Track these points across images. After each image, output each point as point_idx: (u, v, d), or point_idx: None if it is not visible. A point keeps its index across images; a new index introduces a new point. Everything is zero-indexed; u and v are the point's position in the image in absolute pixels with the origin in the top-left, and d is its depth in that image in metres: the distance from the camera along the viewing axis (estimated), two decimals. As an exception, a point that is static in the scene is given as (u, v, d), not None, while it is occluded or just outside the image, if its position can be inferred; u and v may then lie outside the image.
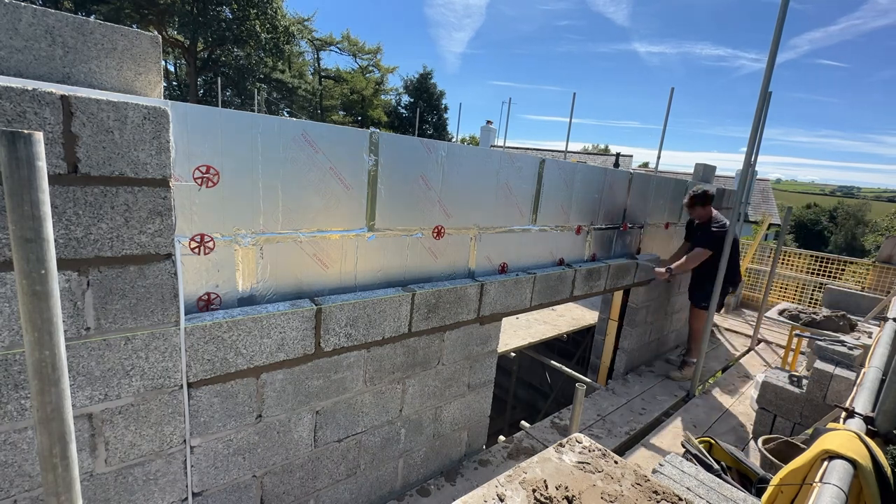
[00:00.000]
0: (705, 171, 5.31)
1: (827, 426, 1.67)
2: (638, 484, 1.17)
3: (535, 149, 25.19)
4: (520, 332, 5.08)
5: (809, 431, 2.89)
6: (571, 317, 5.75)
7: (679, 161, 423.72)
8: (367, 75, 35.63)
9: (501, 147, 18.66)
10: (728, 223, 3.87)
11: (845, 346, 3.58)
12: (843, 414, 1.76)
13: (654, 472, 2.09)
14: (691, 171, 5.81)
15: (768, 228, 15.14)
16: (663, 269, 3.92)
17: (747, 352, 5.48)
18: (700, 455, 2.45)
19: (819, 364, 3.27)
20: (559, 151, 23.35)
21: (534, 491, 1.10)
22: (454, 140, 23.33)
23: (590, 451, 1.29)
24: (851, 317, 4.83)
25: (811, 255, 7.84)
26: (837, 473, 1.32)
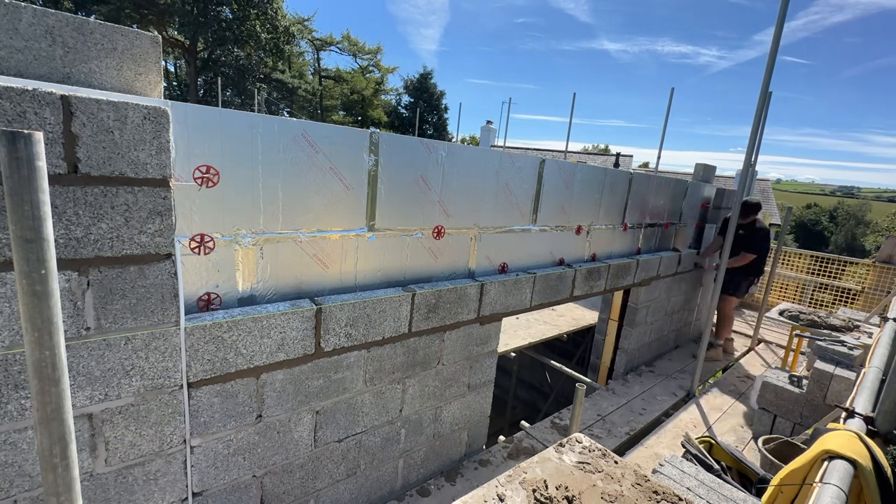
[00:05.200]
0: (705, 171, 5.31)
1: (827, 426, 1.67)
2: (638, 484, 1.17)
3: (535, 149, 25.19)
4: (520, 332, 5.08)
5: (809, 431, 2.89)
6: (571, 317, 5.75)
7: (671, 160, 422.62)
8: (368, 75, 35.63)
9: (501, 147, 18.67)
10: (768, 229, 4.75)
11: (845, 346, 3.58)
12: (843, 414, 1.76)
13: (655, 472, 2.09)
14: (683, 169, 5.87)
15: (768, 228, 15.11)
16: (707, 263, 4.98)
17: (747, 352, 5.48)
18: (700, 455, 2.45)
19: (819, 364, 3.27)
20: (559, 151, 23.36)
21: (534, 491, 1.09)
22: (454, 140, 23.33)
23: (590, 451, 1.29)
24: (852, 318, 4.83)
25: (811, 255, 7.83)
26: (838, 473, 1.32)
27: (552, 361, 5.24)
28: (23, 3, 1.24)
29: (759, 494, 2.18)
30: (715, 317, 4.74)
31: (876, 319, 5.04)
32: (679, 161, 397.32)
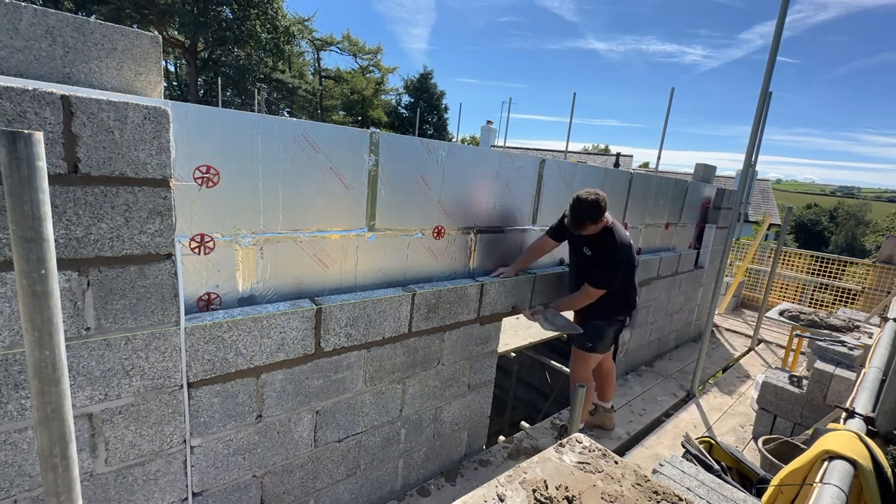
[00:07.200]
0: (705, 171, 5.31)
1: (827, 426, 1.67)
2: (638, 484, 1.17)
3: (535, 149, 25.20)
4: (520, 332, 5.07)
5: (810, 432, 2.88)
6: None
7: (669, 159, 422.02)
8: (368, 75, 35.61)
9: (501, 147, 18.67)
10: (629, 240, 2.78)
11: (845, 346, 3.58)
12: (844, 414, 1.76)
13: (655, 472, 2.09)
14: (681, 169, 5.81)
15: (768, 229, 15.15)
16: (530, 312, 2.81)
17: (747, 352, 5.48)
18: (700, 455, 2.45)
19: (819, 364, 3.27)
20: (559, 151, 23.36)
21: (534, 491, 1.09)
22: (454, 140, 23.34)
23: (590, 451, 1.29)
24: (852, 318, 4.83)
25: (811, 256, 7.83)
26: (838, 474, 1.32)
27: (552, 361, 5.23)
28: (23, 3, 1.24)
29: (759, 494, 2.18)
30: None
31: (876, 319, 5.04)
32: (677, 161, 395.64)
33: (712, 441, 2.68)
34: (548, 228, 2.91)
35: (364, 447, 2.26)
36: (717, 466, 2.39)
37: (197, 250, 1.65)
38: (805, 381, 3.33)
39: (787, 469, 1.60)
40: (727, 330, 6.23)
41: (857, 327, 4.48)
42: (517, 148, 24.16)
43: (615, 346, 2.91)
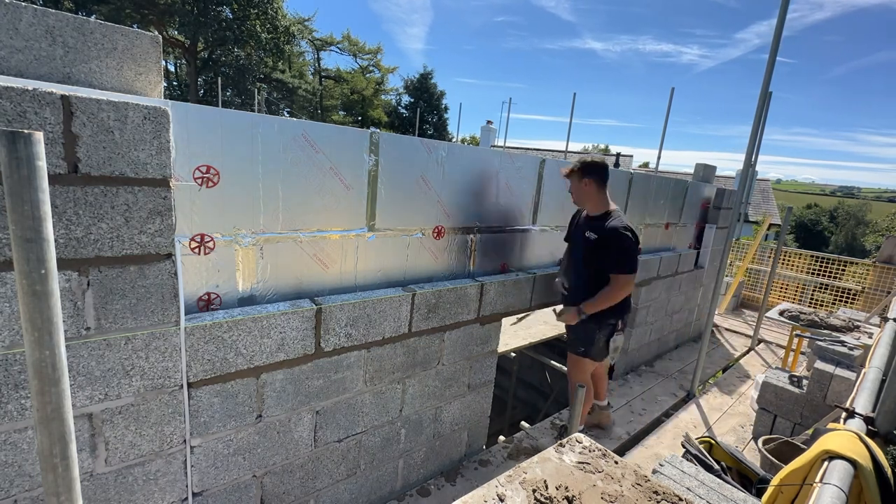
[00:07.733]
0: (705, 171, 5.31)
1: (827, 426, 1.67)
2: (638, 484, 1.17)
3: (535, 149, 25.20)
4: (520, 332, 5.08)
5: (810, 432, 2.88)
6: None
7: (668, 159, 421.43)
8: (368, 75, 35.62)
9: (501, 147, 18.67)
10: (633, 228, 2.62)
11: (845, 346, 3.58)
12: (844, 414, 1.76)
13: (655, 472, 2.09)
14: (681, 169, 5.79)
15: (768, 228, 15.16)
16: (573, 312, 2.69)
17: (747, 352, 5.48)
18: (700, 455, 2.45)
19: (819, 364, 3.27)
20: (559, 151, 23.36)
21: (534, 491, 1.09)
22: (454, 140, 23.33)
23: (590, 451, 1.29)
24: (852, 318, 4.83)
25: (811, 256, 7.83)
26: (838, 474, 1.32)
27: (552, 361, 5.24)
28: (23, 3, 1.24)
29: (759, 494, 2.18)
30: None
31: (876, 319, 5.04)
32: (677, 161, 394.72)
33: (712, 441, 2.67)
34: (548, 228, 2.96)
35: (364, 447, 2.26)
36: (717, 466, 2.39)
37: (197, 250, 1.65)
38: (805, 381, 3.33)
39: (787, 469, 1.60)
40: (727, 330, 6.23)
41: (857, 327, 4.48)
42: (517, 148, 24.14)
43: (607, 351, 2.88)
